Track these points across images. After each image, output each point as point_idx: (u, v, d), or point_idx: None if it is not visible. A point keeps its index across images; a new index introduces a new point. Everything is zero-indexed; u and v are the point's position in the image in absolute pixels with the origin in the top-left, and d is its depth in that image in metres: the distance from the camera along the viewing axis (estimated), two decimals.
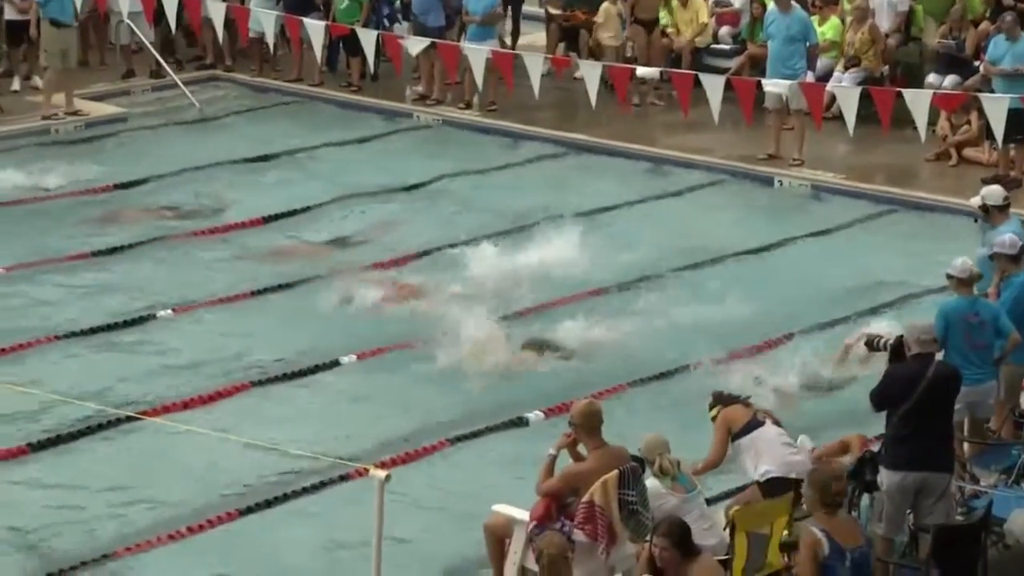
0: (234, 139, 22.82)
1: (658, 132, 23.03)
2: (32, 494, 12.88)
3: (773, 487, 11.39)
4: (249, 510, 12.60)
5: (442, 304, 16.47)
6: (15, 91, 24.01)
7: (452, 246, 18.32)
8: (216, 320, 16.34)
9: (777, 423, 11.89)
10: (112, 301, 16.70)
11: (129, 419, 13.28)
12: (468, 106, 23.98)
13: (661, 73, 23.26)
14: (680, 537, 9.97)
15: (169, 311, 16.37)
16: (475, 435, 13.86)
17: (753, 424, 11.70)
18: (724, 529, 11.03)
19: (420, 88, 24.51)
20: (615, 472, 10.72)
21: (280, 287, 17.17)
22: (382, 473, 9.39)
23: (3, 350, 15.27)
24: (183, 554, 11.93)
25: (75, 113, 22.80)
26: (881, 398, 11.25)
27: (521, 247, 18.20)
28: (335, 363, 15.26)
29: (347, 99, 24.68)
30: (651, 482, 10.99)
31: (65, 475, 13.18)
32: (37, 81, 24.03)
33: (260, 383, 14.80)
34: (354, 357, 15.41)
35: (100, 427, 13.74)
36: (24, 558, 11.97)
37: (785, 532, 10.81)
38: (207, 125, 23.65)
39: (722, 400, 12.01)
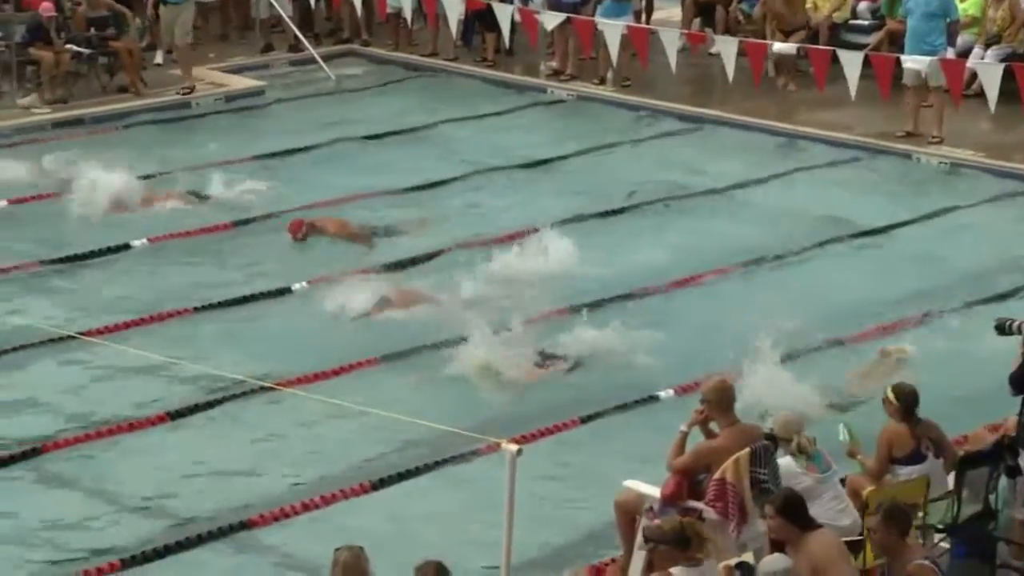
0: (369, 113, 22.92)
1: (793, 108, 22.80)
2: (169, 462, 13.00)
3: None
4: (382, 483, 12.64)
5: (567, 278, 16.41)
6: (158, 64, 24.35)
7: (582, 218, 18.33)
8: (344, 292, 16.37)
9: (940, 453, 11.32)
10: (251, 273, 16.83)
11: (265, 389, 13.36)
12: (602, 81, 23.91)
13: (798, 49, 23.04)
14: (785, 505, 9.86)
15: (304, 284, 16.49)
16: (605, 413, 13.80)
17: (917, 457, 11.26)
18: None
19: (554, 63, 24.48)
20: (747, 450, 10.63)
21: (412, 261, 17.23)
22: (514, 447, 9.37)
23: (145, 320, 15.45)
24: (317, 524, 11.98)
25: (191, 89, 22.92)
26: (1020, 380, 11.04)
27: (652, 224, 18.10)
28: (462, 339, 15.29)
29: (482, 73, 24.73)
30: (785, 461, 10.87)
31: (201, 445, 13.29)
32: None
33: (389, 357, 14.82)
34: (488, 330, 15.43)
35: (237, 397, 13.84)
36: (160, 525, 12.09)
37: (921, 514, 10.69)
38: (343, 98, 23.80)
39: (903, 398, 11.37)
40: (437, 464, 12.86)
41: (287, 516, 12.13)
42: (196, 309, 15.80)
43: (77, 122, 21.97)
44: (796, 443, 10.86)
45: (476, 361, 14.35)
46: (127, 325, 15.25)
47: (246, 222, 18.09)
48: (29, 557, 11.58)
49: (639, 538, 10.61)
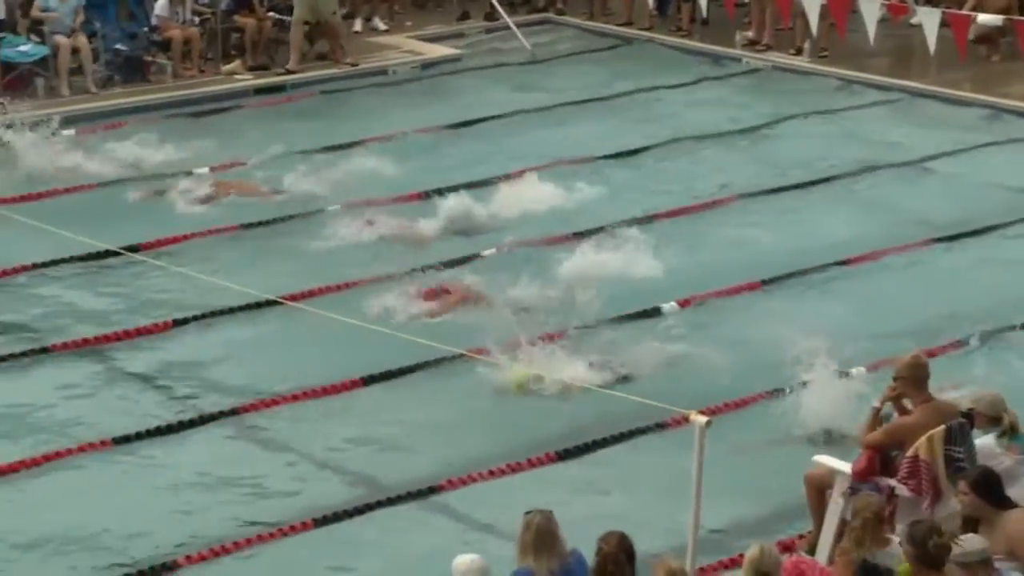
0: (563, 82, 22.84)
1: (997, 80, 22.23)
2: (364, 425, 13.06)
3: None
4: (568, 453, 12.58)
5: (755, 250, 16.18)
6: (357, 32, 24.54)
7: (773, 190, 18.12)
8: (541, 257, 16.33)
9: None
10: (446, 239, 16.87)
11: (460, 357, 13.38)
12: (799, 52, 23.54)
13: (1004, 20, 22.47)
14: (979, 481, 9.59)
15: (492, 250, 16.44)
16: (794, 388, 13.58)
17: None
18: None
19: (750, 33, 24.16)
20: (942, 427, 10.35)
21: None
22: (703, 419, 9.24)
23: (341, 286, 15.54)
24: (502, 491, 11.93)
25: (354, 64, 22.83)
26: None
27: (843, 196, 17.78)
28: (656, 310, 15.15)
29: (676, 43, 24.51)
30: (983, 440, 10.56)
31: (393, 409, 13.33)
32: (378, 23, 24.51)
33: (580, 328, 14.73)
34: (675, 304, 15.29)
35: (432, 364, 13.79)
36: (349, 486, 12.15)
37: None
38: (537, 67, 23.75)
39: None
40: (624, 435, 12.73)
41: (475, 482, 12.13)
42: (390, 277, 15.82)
43: (278, 88, 22.22)
44: (1008, 422, 10.54)
45: None
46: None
47: (440, 191, 18.13)
48: (236, 514, 11.74)
49: (829, 512, 10.45)
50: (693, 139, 20.18)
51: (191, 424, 12.93)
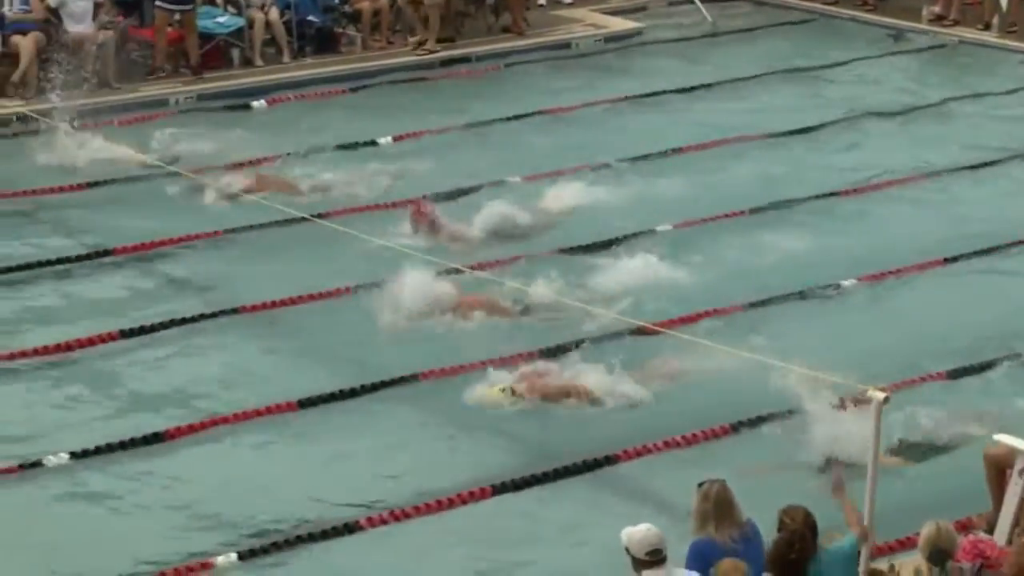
0: (743, 55, 22.59)
1: None
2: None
3: None
4: (741, 425, 12.44)
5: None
6: (541, 5, 24.52)
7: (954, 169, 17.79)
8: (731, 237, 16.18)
9: None
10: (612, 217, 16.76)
11: (641, 331, 13.25)
12: (987, 27, 23.01)
13: None
14: None
15: (668, 226, 16.31)
16: (980, 368, 13.28)
17: None
18: None
19: (937, 8, 23.65)
20: None
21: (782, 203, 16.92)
22: (881, 395, 9.08)
23: (516, 259, 15.50)
24: (677, 463, 11.79)
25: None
26: None
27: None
28: (836, 286, 14.93)
29: (861, 17, 24.09)
30: None
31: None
32: None
33: (755, 304, 14.58)
34: (855, 280, 15.06)
35: (612, 337, 13.70)
36: (527, 459, 12.09)
37: None
38: (719, 40, 23.51)
39: None
40: (796, 410, 12.54)
41: (649, 453, 12.02)
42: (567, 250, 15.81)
43: (464, 60, 22.29)
44: None
45: None
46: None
47: (634, 159, 18.02)
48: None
49: (1009, 492, 10.20)
50: (874, 114, 19.82)
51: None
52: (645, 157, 18.16)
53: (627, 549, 8.71)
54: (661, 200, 17.01)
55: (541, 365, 13.01)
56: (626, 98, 20.52)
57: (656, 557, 8.62)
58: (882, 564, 9.66)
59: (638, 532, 8.73)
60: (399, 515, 11.21)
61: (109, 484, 11.68)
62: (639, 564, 8.67)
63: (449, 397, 12.81)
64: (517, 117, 19.64)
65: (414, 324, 13.87)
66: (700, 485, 9.11)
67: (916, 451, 11.89)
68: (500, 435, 12.36)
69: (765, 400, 12.32)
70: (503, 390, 12.64)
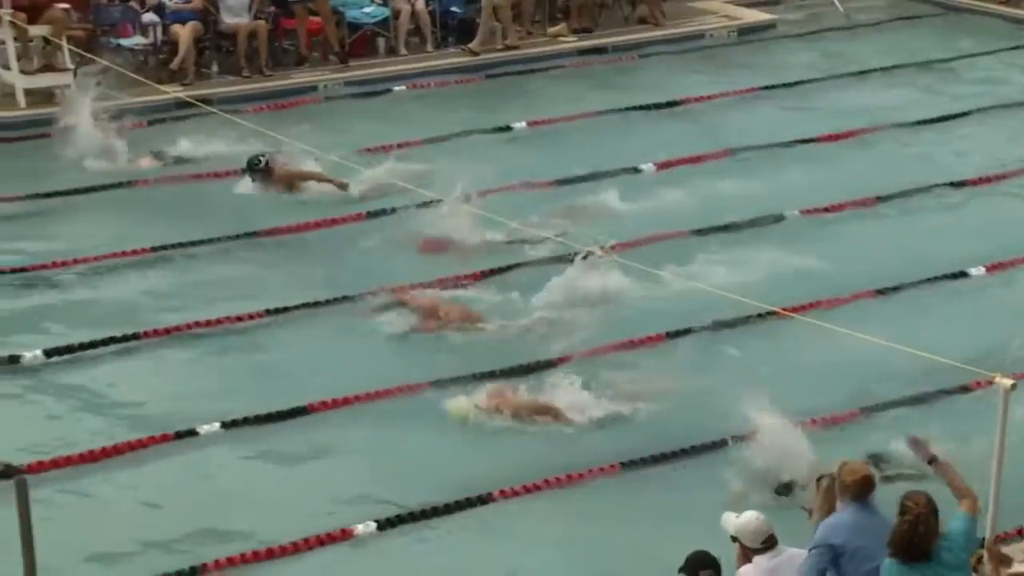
0: (878, 48, 22.32)
1: None
2: (677, 376, 12.94)
3: None
4: (863, 412, 12.27)
5: None
6: None
7: None
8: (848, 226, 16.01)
9: None
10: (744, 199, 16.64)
11: (770, 315, 13.15)
12: None
13: None
14: None
15: (796, 212, 16.20)
16: None
17: None
18: None
19: None
20: None
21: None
22: (1008, 381, 8.94)
23: (648, 241, 15.52)
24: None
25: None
26: None
27: None
28: (963, 274, 14.73)
29: (999, 11, 23.68)
30: None
31: (696, 363, 13.16)
32: None
33: (883, 291, 14.40)
34: (982, 269, 14.85)
35: (741, 322, 13.64)
36: (638, 438, 12.05)
37: None
38: (854, 33, 23.24)
39: None
40: (921, 398, 12.38)
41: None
42: (694, 232, 15.78)
43: (600, 50, 22.26)
44: None
45: None
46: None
47: (743, 149, 17.91)
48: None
49: None
50: (1005, 106, 19.50)
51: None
52: (775, 146, 18.02)
53: (735, 538, 8.67)
54: (790, 188, 16.88)
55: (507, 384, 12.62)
56: (758, 89, 20.38)
57: (770, 543, 8.58)
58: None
59: (750, 523, 8.67)
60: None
61: (257, 452, 11.84)
62: (752, 551, 8.63)
63: None
64: (649, 107, 19.58)
65: None
66: (819, 479, 8.99)
67: None
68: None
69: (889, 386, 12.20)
70: (476, 406, 12.26)
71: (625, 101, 19.76)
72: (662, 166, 17.55)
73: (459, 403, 12.29)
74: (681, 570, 8.51)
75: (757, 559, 8.59)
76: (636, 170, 17.46)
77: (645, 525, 10.86)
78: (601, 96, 20.00)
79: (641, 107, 19.59)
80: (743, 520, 8.66)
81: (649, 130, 18.87)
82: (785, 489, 10.88)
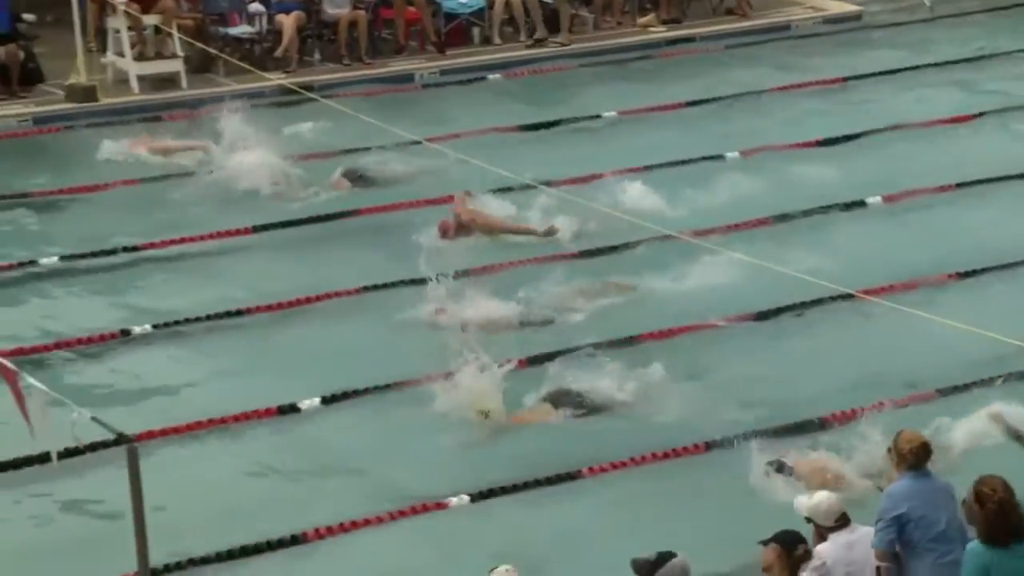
0: (958, 38, 22.09)
1: None
2: (757, 358, 12.96)
3: None
4: (949, 390, 12.23)
5: None
6: None
7: None
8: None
9: None
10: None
11: (844, 297, 13.06)
12: None
13: None
14: None
15: (877, 198, 16.08)
16: None
17: None
18: None
19: None
20: None
21: None
22: None
23: (731, 227, 15.46)
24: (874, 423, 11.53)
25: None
26: None
27: None
28: None
29: None
30: None
31: (786, 345, 13.20)
32: None
33: (964, 275, 14.27)
34: None
35: (821, 303, 13.55)
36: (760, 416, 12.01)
37: None
38: (938, 24, 23.01)
39: None
40: (994, 381, 12.22)
41: (848, 420, 11.71)
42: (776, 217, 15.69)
43: (688, 40, 22.21)
44: None
45: None
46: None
47: (826, 138, 17.86)
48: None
49: None
50: None
51: None
52: (858, 136, 17.92)
53: (809, 519, 8.67)
54: (871, 175, 16.79)
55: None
56: (842, 79, 20.25)
57: (844, 521, 8.58)
58: None
59: (822, 503, 8.62)
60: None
61: (356, 425, 11.98)
62: (826, 530, 8.63)
63: None
64: (735, 96, 19.52)
65: None
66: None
67: None
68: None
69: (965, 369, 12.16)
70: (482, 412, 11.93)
71: (711, 91, 19.70)
72: (745, 153, 17.50)
73: (483, 399, 11.97)
74: (766, 542, 8.49)
75: (833, 536, 8.60)
76: (721, 157, 17.41)
77: (724, 504, 10.84)
78: (688, 86, 19.95)
79: (726, 96, 19.52)
80: (815, 501, 8.67)
81: (733, 119, 18.80)
82: (778, 466, 10.74)
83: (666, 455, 11.42)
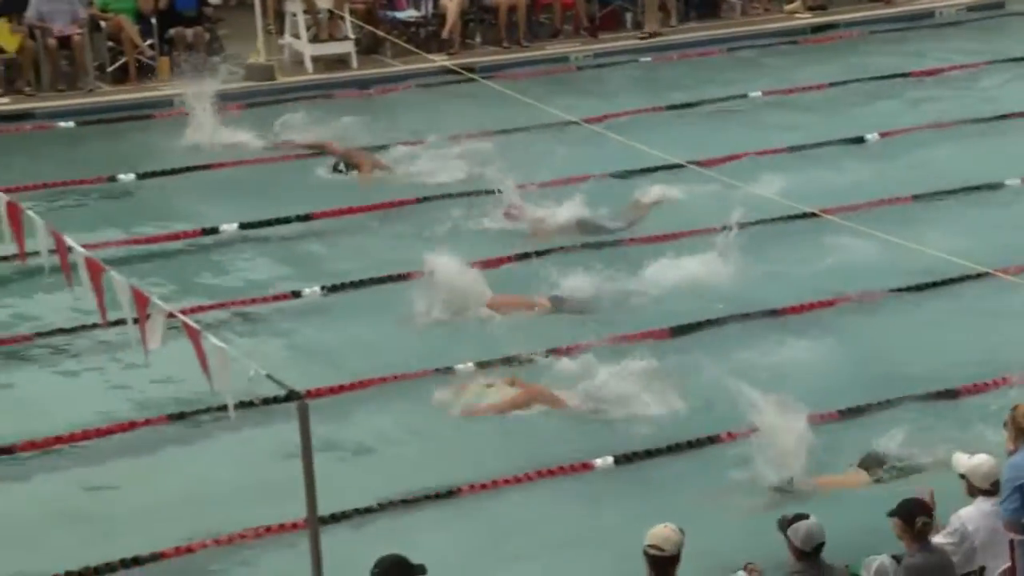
0: None
1: None
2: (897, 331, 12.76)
3: None
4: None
5: None
6: None
7: None
8: None
9: None
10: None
11: (984, 275, 12.91)
12: None
13: None
14: None
15: (1017, 180, 15.79)
16: None
17: None
18: None
19: None
20: None
21: None
22: None
23: (870, 205, 15.23)
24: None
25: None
26: None
27: None
28: None
29: None
30: None
31: (921, 320, 13.00)
32: None
33: None
34: None
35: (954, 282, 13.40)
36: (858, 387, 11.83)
37: None
38: None
39: None
40: None
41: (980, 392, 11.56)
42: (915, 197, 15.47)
43: (832, 27, 21.92)
44: None
45: None
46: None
47: (965, 120, 17.54)
48: None
49: None
50: None
51: None
52: (996, 119, 17.60)
53: (964, 476, 8.56)
54: (1011, 157, 16.46)
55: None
56: (984, 63, 19.86)
57: (996, 488, 8.45)
58: None
59: (983, 464, 8.51)
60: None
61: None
62: (979, 491, 8.53)
63: None
64: (877, 79, 19.26)
65: None
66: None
67: None
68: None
69: None
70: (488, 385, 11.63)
71: (853, 74, 19.47)
72: (884, 134, 17.27)
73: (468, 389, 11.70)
74: (892, 514, 8.42)
75: (979, 501, 8.49)
76: (861, 140, 17.20)
77: None
78: (830, 69, 19.73)
79: (867, 80, 19.27)
80: (976, 461, 8.54)
81: (874, 101, 18.55)
82: (787, 484, 10.29)
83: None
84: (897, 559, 8.24)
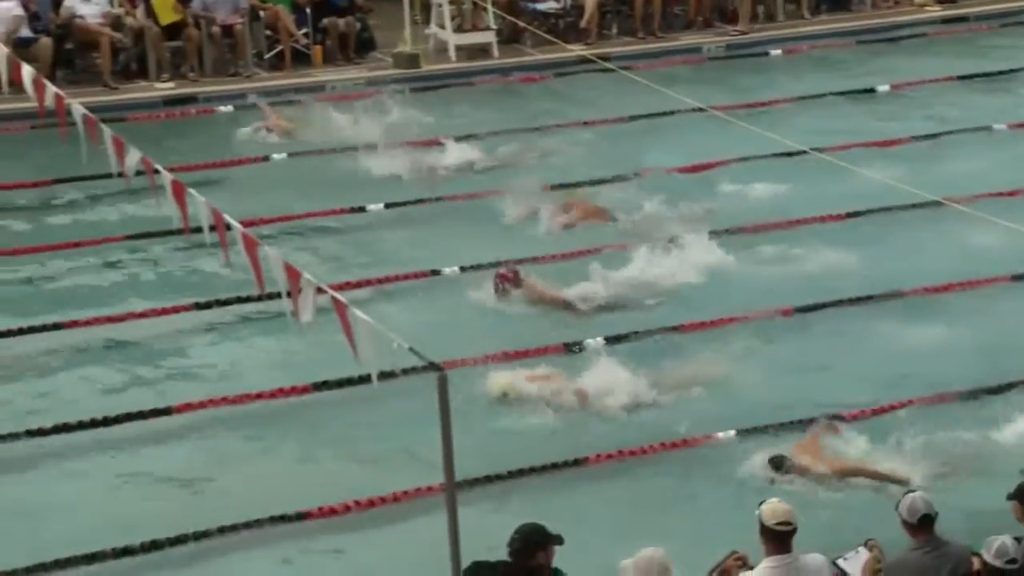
0: None
1: None
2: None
3: None
4: None
5: None
6: None
7: None
8: None
9: None
10: None
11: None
12: None
13: None
14: None
15: None
16: None
17: None
18: None
19: None
20: None
21: None
22: None
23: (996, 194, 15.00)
24: None
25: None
26: None
27: None
28: None
29: None
30: None
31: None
32: None
33: None
34: None
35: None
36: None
37: None
38: None
39: None
40: None
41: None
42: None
43: (962, 19, 21.52)
44: None
45: None
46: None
47: None
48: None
49: None
50: None
51: None
52: None
53: None
54: None
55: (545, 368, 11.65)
56: None
57: None
58: None
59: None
60: None
61: (629, 363, 11.87)
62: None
63: None
64: (1006, 72, 18.89)
65: None
66: None
67: None
68: None
69: None
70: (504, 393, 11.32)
71: (981, 66, 19.12)
72: (1013, 126, 16.93)
73: (499, 379, 11.49)
74: (1011, 497, 8.26)
75: None
76: (988, 128, 16.91)
77: None
78: (959, 62, 19.37)
79: (996, 72, 18.91)
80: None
81: (1004, 93, 18.20)
82: (779, 461, 10.16)
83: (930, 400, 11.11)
84: (1019, 540, 8.09)
